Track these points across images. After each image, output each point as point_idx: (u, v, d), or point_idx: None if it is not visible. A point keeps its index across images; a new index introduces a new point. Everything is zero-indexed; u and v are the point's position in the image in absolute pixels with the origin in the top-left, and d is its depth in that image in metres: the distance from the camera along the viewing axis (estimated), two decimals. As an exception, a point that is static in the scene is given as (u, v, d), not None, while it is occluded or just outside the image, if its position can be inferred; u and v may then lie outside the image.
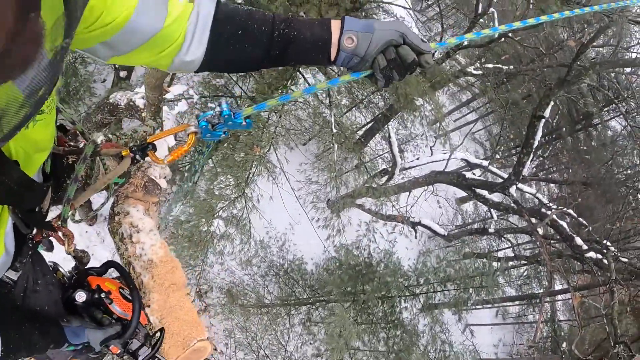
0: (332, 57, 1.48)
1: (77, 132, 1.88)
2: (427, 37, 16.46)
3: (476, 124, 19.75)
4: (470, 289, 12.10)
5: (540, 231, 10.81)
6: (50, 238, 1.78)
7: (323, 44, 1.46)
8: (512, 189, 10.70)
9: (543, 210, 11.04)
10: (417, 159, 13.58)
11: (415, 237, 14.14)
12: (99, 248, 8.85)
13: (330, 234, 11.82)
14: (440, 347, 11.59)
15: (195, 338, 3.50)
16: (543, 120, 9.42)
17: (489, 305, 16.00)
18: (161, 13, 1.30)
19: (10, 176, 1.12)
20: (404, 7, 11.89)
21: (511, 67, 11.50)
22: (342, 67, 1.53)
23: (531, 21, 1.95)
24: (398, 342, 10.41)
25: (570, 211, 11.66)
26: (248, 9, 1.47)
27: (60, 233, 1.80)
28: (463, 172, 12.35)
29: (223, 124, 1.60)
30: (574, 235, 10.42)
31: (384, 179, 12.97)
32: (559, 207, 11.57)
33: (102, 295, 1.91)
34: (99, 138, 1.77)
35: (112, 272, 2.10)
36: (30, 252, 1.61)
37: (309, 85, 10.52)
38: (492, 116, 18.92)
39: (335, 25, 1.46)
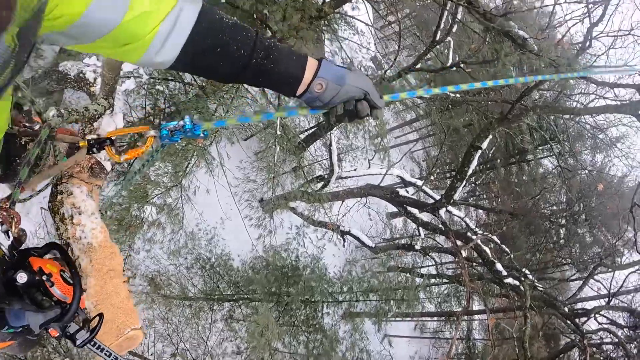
0: (298, 94, 1.55)
1: (34, 112, 1.85)
2: (382, 54, 16.86)
3: (416, 144, 20.32)
4: (392, 301, 12.42)
5: (464, 253, 11.24)
6: None
7: (294, 81, 1.52)
8: (442, 211, 11.07)
9: (469, 234, 11.49)
10: (355, 170, 13.77)
11: (344, 246, 14.36)
12: (24, 221, 8.46)
13: (261, 234, 11.83)
14: (359, 355, 11.78)
15: (129, 326, 3.45)
16: (480, 151, 9.82)
17: (409, 319, 16.41)
18: (120, 8, 1.26)
19: None
20: (366, 24, 12.15)
21: (458, 95, 11.89)
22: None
23: (464, 87, 2.08)
24: (318, 346, 10.57)
25: (495, 238, 12.21)
26: (233, 23, 1.45)
27: (6, 214, 1.79)
28: (397, 189, 12.67)
29: (182, 133, 1.68)
30: (495, 261, 10.90)
31: (320, 185, 13.11)
32: (485, 233, 12.07)
33: (44, 277, 1.87)
34: (51, 112, 1.76)
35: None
36: None
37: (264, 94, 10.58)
38: (433, 139, 19.54)
39: (310, 65, 1.52)
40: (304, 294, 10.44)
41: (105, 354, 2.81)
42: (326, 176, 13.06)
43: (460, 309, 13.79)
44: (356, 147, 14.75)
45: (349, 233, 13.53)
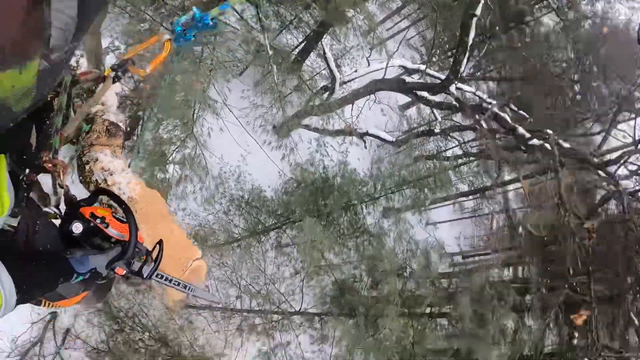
0: None
1: None
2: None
3: (409, 31, 19.74)
4: (426, 189, 12.55)
5: (484, 124, 11.21)
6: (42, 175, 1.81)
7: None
8: (452, 88, 10.97)
9: (484, 104, 11.42)
10: (355, 71, 13.57)
11: (365, 147, 14.40)
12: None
13: (284, 154, 11.94)
14: (407, 247, 12.09)
15: (190, 259, 3.64)
16: (475, 19, 9.55)
17: (446, 203, 16.65)
18: None
19: None
20: None
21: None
22: None
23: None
24: (367, 246, 10.84)
25: (511, 105, 12.12)
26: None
27: (51, 165, 1.84)
28: (402, 77, 12.53)
29: (193, 27, 1.73)
30: (517, 126, 10.90)
31: (326, 95, 13.04)
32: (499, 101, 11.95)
33: (97, 220, 1.96)
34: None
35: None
36: (25, 195, 1.63)
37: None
38: (425, 21, 18.94)
39: None
40: (340, 201, 10.59)
41: (174, 284, 2.97)
42: (329, 85, 12.95)
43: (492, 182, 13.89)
44: (350, 47, 14.48)
45: (367, 134, 13.55)
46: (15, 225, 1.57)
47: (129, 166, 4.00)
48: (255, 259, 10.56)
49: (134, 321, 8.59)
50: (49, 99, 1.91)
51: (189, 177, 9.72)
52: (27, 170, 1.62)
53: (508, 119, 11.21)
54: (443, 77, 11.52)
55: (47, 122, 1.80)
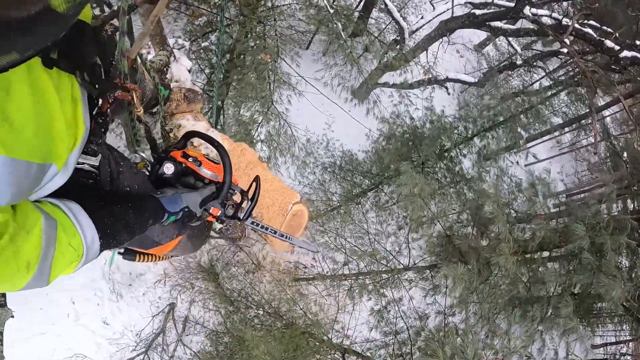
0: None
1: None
2: None
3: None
4: (519, 127, 11.96)
5: (567, 42, 10.46)
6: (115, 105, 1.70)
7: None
8: (527, 10, 10.35)
9: (564, 22, 10.66)
10: (422, 17, 13.14)
11: (449, 94, 14.01)
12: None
13: (368, 108, 11.79)
14: (509, 186, 11.62)
15: (289, 202, 3.66)
16: None
17: (542, 140, 15.86)
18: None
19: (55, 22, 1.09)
20: None
21: None
22: None
23: None
24: (468, 191, 10.52)
25: (592, 21, 11.23)
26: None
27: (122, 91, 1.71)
28: (473, 11, 11.97)
29: None
30: (603, 40, 10.10)
31: (397, 48, 12.74)
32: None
33: (190, 160, 1.93)
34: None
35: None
36: (103, 130, 1.55)
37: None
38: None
39: None
40: (434, 148, 10.32)
41: (271, 232, 2.93)
42: (398, 37, 12.63)
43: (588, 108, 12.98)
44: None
45: (447, 79, 13.13)
46: (97, 164, 1.51)
47: (212, 126, 4.08)
48: (357, 220, 10.56)
49: (248, 300, 8.85)
50: (109, 33, 1.91)
51: (279, 150, 9.81)
52: (100, 101, 1.54)
53: (592, 33, 10.41)
54: (512, 5, 10.87)
55: (112, 57, 1.76)
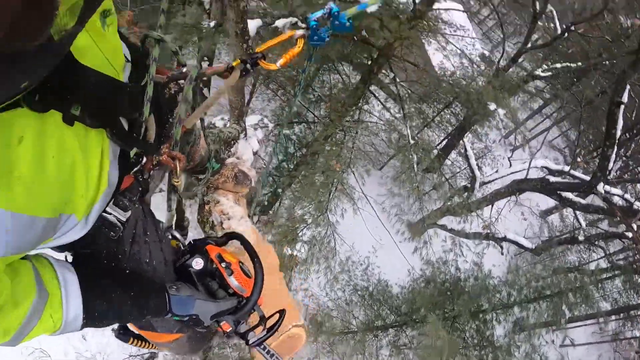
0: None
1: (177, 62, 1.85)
2: (489, 50, 16.38)
3: (552, 130, 19.09)
4: (564, 305, 11.42)
5: (635, 227, 10.17)
6: (159, 168, 1.69)
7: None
8: (600, 187, 10.20)
9: (635, 206, 10.43)
10: (496, 171, 13.18)
11: (502, 254, 13.66)
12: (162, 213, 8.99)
13: (416, 247, 11.57)
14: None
15: (290, 323, 3.43)
16: (622, 107, 9.00)
17: (585, 323, 14.97)
18: None
19: (89, 80, 1.06)
20: (461, 10, 11.86)
21: (579, 63, 11.12)
22: None
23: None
24: (492, 360, 9.90)
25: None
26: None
27: (168, 157, 1.68)
28: (547, 178, 11.91)
29: (329, 26, 1.72)
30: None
31: (465, 195, 12.72)
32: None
33: (223, 265, 1.78)
34: (192, 61, 1.79)
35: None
36: (140, 189, 1.52)
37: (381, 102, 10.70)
38: (567, 121, 18.29)
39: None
40: (470, 306, 9.92)
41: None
42: (469, 184, 12.65)
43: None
44: (492, 143, 14.20)
45: (505, 239, 12.87)
46: (124, 220, 1.45)
47: (249, 215, 4.04)
48: (367, 353, 10.05)
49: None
50: (172, 92, 1.94)
51: (316, 257, 9.69)
52: (144, 160, 1.51)
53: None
54: (588, 178, 10.78)
55: (170, 118, 1.74)
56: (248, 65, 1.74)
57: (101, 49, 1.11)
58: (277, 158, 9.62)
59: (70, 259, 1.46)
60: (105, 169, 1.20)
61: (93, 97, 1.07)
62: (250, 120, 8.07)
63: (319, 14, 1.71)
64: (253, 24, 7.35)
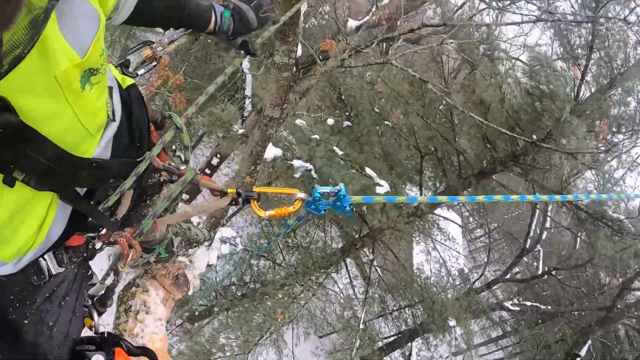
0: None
1: (180, 159, 1.86)
2: (469, 268, 16.75)
3: (504, 364, 18.74)
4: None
5: None
6: (114, 247, 1.68)
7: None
8: None
9: None
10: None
11: None
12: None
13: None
14: None
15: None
16: (579, 360, 8.93)
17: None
18: None
19: (42, 152, 1.02)
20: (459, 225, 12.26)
21: (549, 307, 11.28)
22: None
23: (498, 198, 2.07)
24: None
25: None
26: None
27: (125, 241, 1.66)
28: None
29: (331, 203, 1.74)
30: None
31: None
32: None
33: None
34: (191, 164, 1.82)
35: None
36: (84, 255, 1.47)
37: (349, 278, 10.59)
38: (520, 358, 17.96)
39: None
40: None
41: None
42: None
43: None
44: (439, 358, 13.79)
45: None
46: (53, 273, 1.36)
47: (167, 322, 3.73)
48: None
49: None
50: (162, 180, 1.91)
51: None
52: (103, 231, 1.51)
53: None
54: None
55: (148, 202, 1.79)
56: (240, 199, 1.78)
57: (76, 110, 1.06)
58: (230, 279, 9.32)
59: None
60: (48, 223, 1.18)
61: (42, 168, 1.05)
62: (224, 232, 7.95)
63: (326, 189, 1.74)
64: (273, 151, 7.62)
